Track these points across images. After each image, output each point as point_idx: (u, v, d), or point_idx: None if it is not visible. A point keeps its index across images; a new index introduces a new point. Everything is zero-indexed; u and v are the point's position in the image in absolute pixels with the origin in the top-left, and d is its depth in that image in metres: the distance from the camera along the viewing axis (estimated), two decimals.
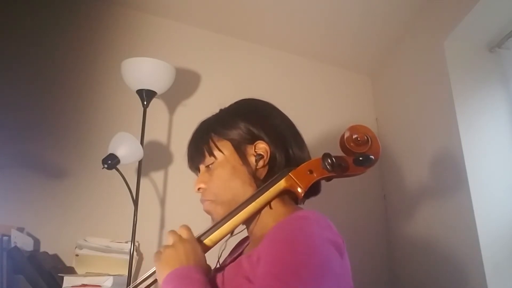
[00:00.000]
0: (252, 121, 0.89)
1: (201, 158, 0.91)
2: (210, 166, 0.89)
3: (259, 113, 0.93)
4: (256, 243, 0.82)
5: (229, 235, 0.86)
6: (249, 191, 0.85)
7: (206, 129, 0.92)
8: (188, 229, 0.82)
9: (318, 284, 0.66)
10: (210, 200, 0.88)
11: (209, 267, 0.80)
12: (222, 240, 0.85)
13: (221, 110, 0.96)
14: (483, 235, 1.47)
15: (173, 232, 0.82)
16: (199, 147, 0.90)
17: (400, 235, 2.08)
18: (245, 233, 0.94)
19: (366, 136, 0.87)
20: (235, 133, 0.88)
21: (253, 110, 0.94)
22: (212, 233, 0.82)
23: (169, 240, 0.80)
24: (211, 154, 0.88)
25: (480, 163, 1.57)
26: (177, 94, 2.04)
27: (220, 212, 0.86)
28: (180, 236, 0.80)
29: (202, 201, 0.90)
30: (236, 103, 0.97)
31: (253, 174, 0.86)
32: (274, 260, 0.69)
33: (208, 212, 0.89)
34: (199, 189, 0.90)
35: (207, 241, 0.81)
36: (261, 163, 0.86)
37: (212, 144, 0.89)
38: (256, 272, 0.71)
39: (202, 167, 0.92)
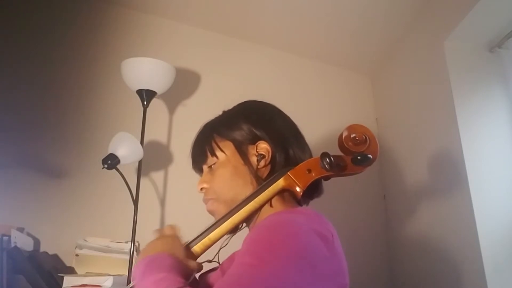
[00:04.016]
0: (254, 122, 0.90)
1: (204, 159, 0.92)
2: (212, 166, 0.90)
3: (262, 115, 0.94)
4: None
5: (231, 232, 0.87)
6: (250, 190, 0.85)
7: (209, 130, 0.93)
8: (172, 227, 0.85)
9: (296, 265, 0.66)
10: (213, 199, 0.89)
11: (194, 266, 0.80)
12: (222, 239, 0.85)
13: (224, 112, 0.98)
14: (483, 235, 1.47)
15: (157, 230, 0.85)
16: (202, 148, 0.92)
17: (400, 235, 2.08)
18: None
19: (364, 136, 0.87)
20: (237, 134, 0.89)
21: (255, 111, 0.95)
22: (211, 232, 0.82)
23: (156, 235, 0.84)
24: (213, 154, 0.90)
25: (480, 163, 1.57)
26: (177, 94, 2.04)
27: (222, 211, 0.87)
28: (162, 233, 0.84)
29: (205, 200, 0.91)
30: (239, 104, 0.98)
31: (255, 174, 0.86)
32: (255, 241, 0.71)
33: (211, 212, 0.90)
34: (202, 189, 0.91)
35: (206, 240, 0.82)
36: (262, 163, 0.87)
37: (214, 145, 0.90)
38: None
39: (205, 167, 0.93)
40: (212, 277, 0.82)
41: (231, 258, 0.81)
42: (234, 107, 0.98)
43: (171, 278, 0.69)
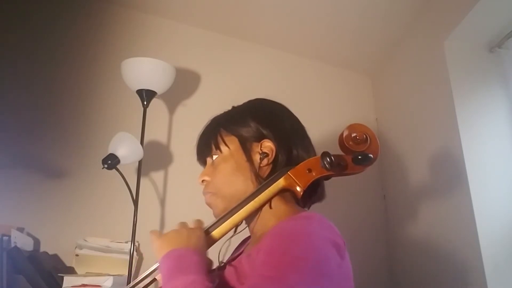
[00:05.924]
0: (262, 121, 0.90)
1: (208, 151, 0.92)
2: (215, 160, 0.90)
3: (270, 114, 0.94)
4: (257, 241, 0.83)
5: (232, 232, 0.87)
6: (250, 187, 0.85)
7: (216, 123, 0.94)
8: (200, 222, 0.85)
9: (315, 278, 0.67)
10: (211, 192, 0.89)
11: (210, 260, 0.81)
12: (223, 238, 0.85)
13: (233, 107, 0.98)
14: (483, 235, 1.47)
15: (183, 222, 0.84)
16: (207, 141, 0.92)
17: (400, 235, 2.08)
18: (247, 231, 0.94)
19: (365, 135, 0.87)
20: (243, 130, 0.90)
21: (264, 110, 0.95)
22: (212, 232, 0.82)
23: (177, 226, 0.83)
24: (217, 148, 0.90)
25: (480, 162, 1.57)
26: (177, 94, 2.04)
27: (220, 205, 0.87)
28: (187, 224, 0.83)
29: (204, 193, 0.91)
30: (249, 101, 0.99)
31: (256, 172, 0.86)
32: (274, 252, 0.71)
33: (209, 205, 0.91)
34: (203, 181, 0.91)
35: (206, 239, 0.82)
36: (265, 161, 0.87)
37: (219, 138, 0.90)
38: (255, 264, 0.72)
39: (208, 160, 0.93)
40: (224, 275, 0.81)
41: (239, 261, 0.81)
42: (244, 104, 0.98)
43: (200, 282, 0.69)
